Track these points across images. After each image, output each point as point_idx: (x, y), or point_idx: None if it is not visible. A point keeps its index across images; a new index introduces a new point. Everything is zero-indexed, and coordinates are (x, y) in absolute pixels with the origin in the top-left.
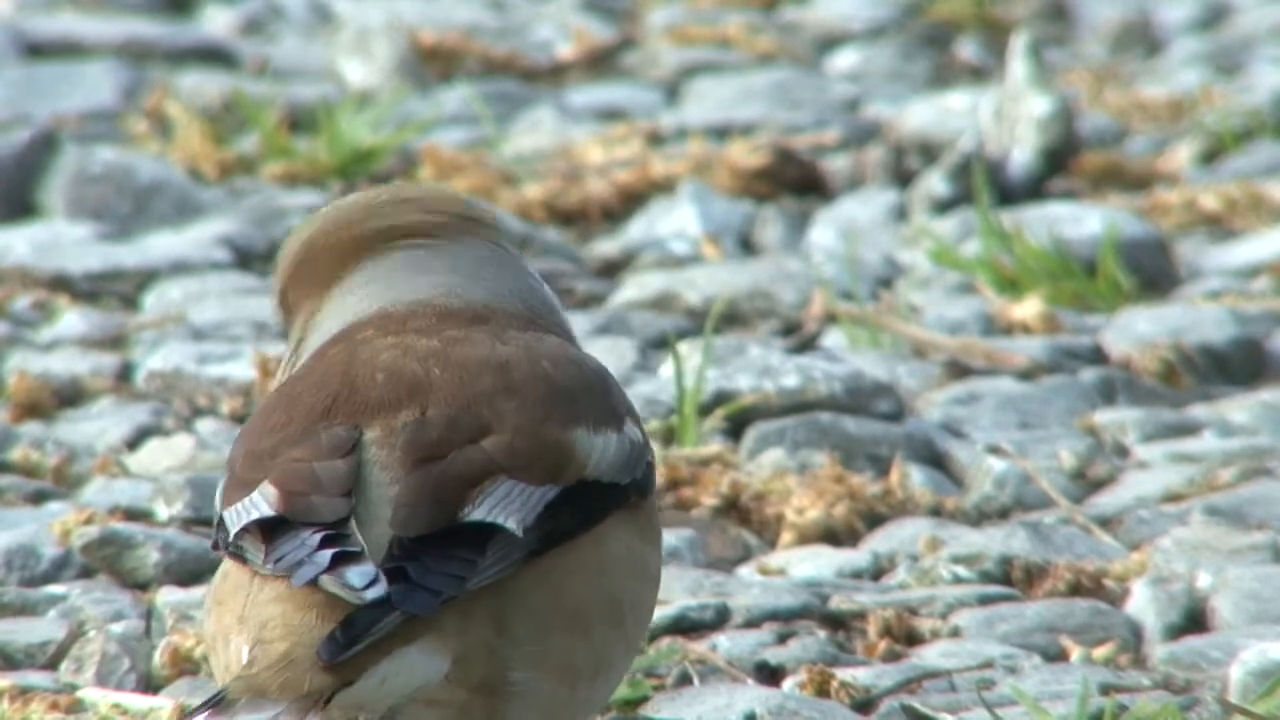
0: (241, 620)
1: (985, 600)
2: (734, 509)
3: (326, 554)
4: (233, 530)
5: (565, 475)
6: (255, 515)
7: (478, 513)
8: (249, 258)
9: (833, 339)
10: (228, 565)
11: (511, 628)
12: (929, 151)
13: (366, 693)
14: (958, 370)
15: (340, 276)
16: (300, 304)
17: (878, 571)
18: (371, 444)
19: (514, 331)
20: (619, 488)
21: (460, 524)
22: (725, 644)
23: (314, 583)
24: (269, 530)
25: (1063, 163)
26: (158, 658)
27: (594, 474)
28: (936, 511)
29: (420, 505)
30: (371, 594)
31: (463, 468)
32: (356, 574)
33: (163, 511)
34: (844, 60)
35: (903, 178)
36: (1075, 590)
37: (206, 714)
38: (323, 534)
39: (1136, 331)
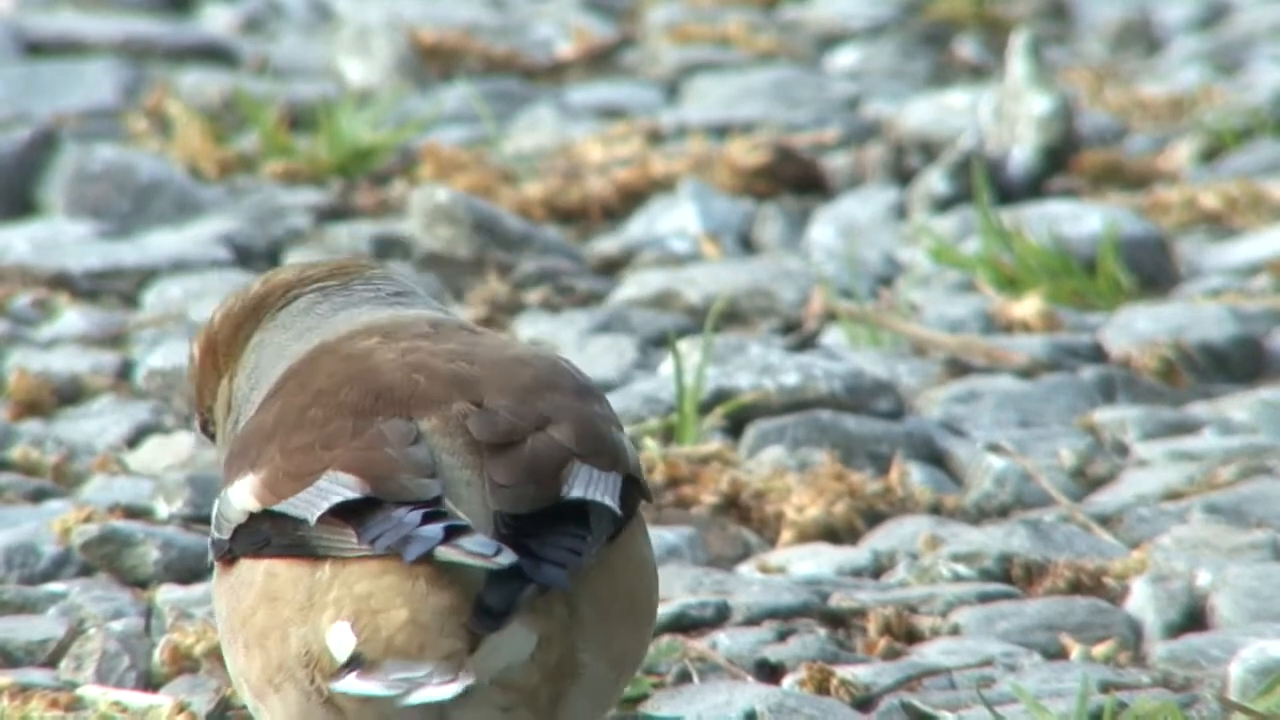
0: (313, 605)
1: (985, 598)
2: (734, 507)
3: (436, 528)
4: (313, 517)
5: (620, 466)
6: (337, 499)
7: (576, 491)
8: (249, 256)
9: (833, 337)
10: (266, 566)
11: (581, 612)
12: (929, 150)
13: (480, 660)
14: (958, 368)
15: (255, 330)
16: (211, 381)
17: (878, 569)
18: (432, 433)
19: (489, 337)
20: (642, 486)
21: (564, 501)
22: (725, 642)
23: (427, 556)
24: (350, 514)
25: (1063, 161)
26: (157, 655)
27: (633, 469)
28: (936, 509)
29: (522, 484)
30: (505, 559)
31: (545, 451)
32: (477, 544)
33: (162, 509)
34: (844, 59)
35: (903, 176)
36: (1075, 588)
37: (353, 674)
38: (423, 511)
39: (1136, 330)
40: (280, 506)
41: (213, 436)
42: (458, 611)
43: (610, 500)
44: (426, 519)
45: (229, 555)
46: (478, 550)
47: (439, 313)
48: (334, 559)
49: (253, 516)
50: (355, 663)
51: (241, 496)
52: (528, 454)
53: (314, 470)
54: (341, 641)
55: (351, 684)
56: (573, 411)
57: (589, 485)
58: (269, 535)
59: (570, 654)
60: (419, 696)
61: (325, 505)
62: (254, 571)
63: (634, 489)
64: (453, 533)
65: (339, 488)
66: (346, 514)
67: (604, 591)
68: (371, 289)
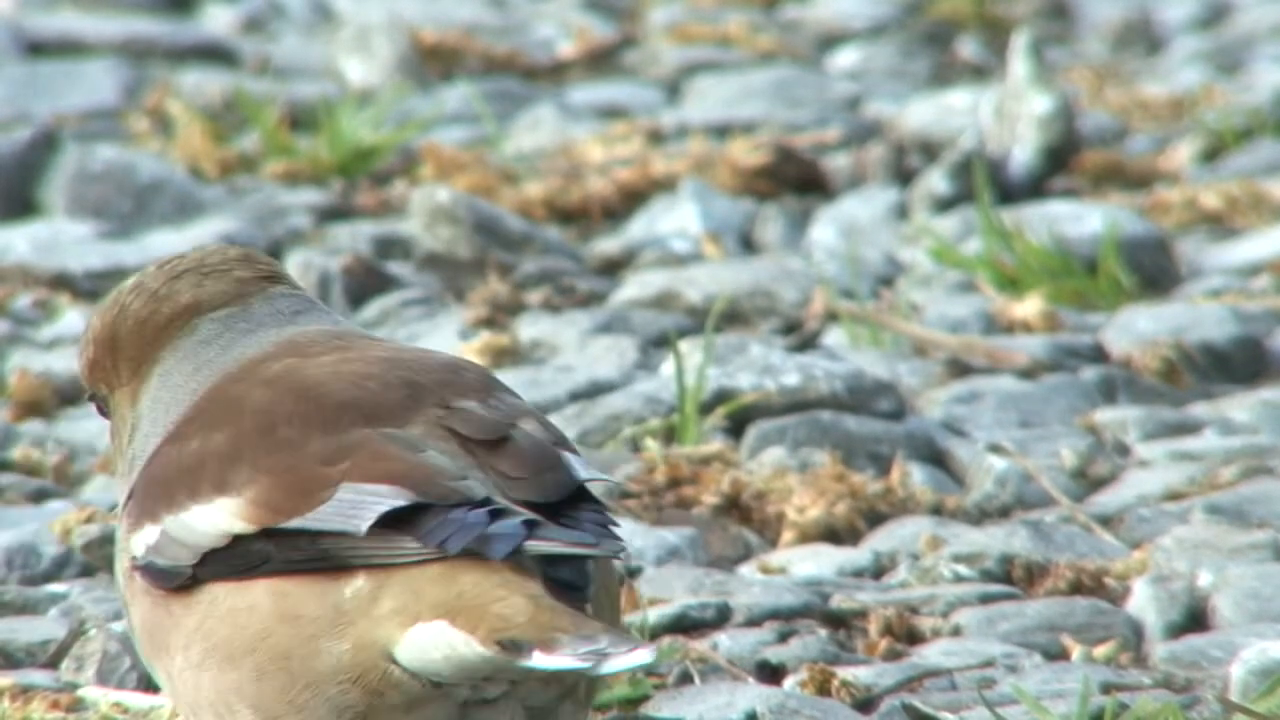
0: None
1: (986, 599)
2: (735, 507)
3: (513, 523)
4: (362, 526)
5: (574, 449)
6: (383, 507)
7: (581, 474)
8: None
9: (834, 337)
10: (270, 586)
11: (598, 599)
12: (930, 150)
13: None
14: (959, 369)
15: (155, 358)
16: (115, 385)
17: (879, 570)
18: (425, 438)
19: (401, 345)
20: None
21: (582, 482)
22: (726, 643)
23: (516, 552)
24: (396, 522)
25: (1063, 161)
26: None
27: None
28: (937, 510)
29: (541, 474)
30: (615, 545)
31: (535, 443)
32: (564, 534)
33: None
34: (845, 59)
35: (903, 176)
36: (1076, 589)
37: (536, 653)
38: (487, 509)
39: (1137, 330)
40: (296, 523)
41: (105, 414)
42: (552, 593)
43: (605, 476)
44: (493, 517)
45: (189, 581)
46: (575, 539)
47: (337, 325)
48: (369, 570)
49: (238, 539)
50: (517, 646)
51: (217, 520)
52: (525, 445)
53: (323, 486)
54: (438, 643)
55: (540, 659)
56: (521, 408)
57: (584, 467)
58: (268, 555)
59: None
60: (614, 664)
61: (373, 515)
62: (247, 594)
63: None
64: (530, 526)
65: (372, 498)
66: (393, 523)
67: (605, 578)
68: (270, 308)
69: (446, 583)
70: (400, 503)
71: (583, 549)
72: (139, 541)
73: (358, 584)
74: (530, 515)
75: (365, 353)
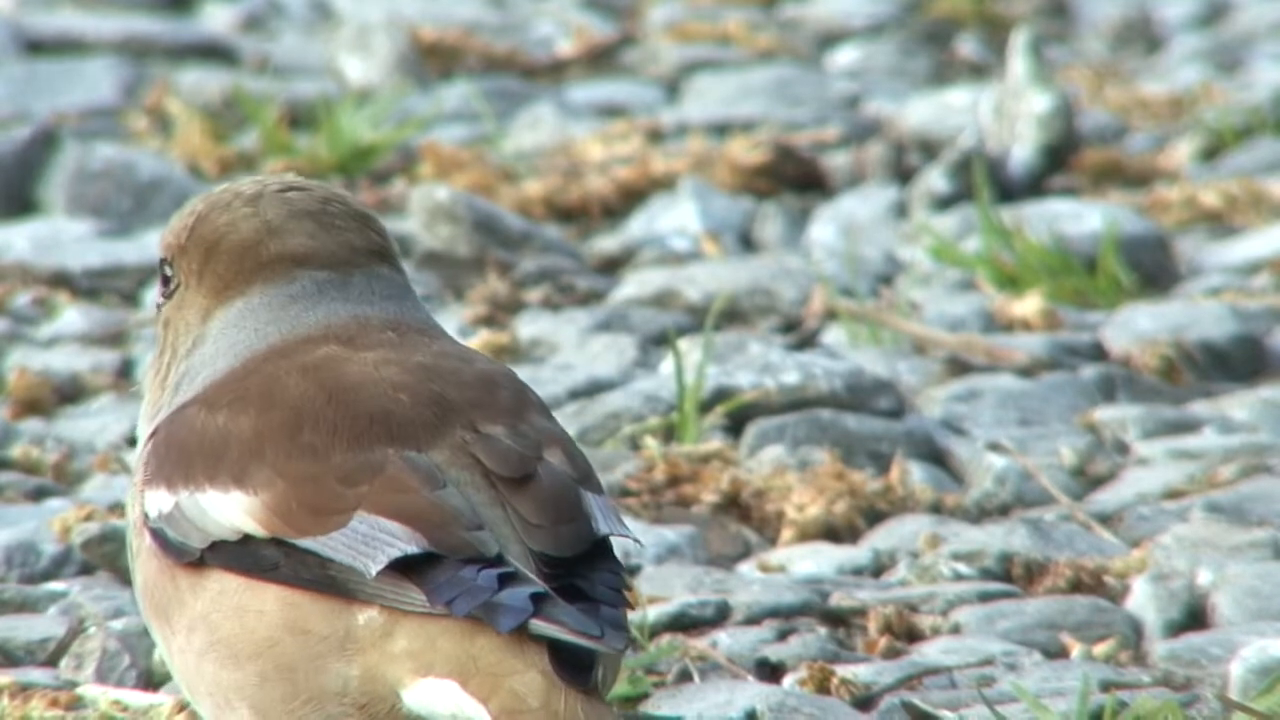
0: (361, 648)
1: (986, 597)
2: (734, 506)
3: (522, 595)
4: (370, 569)
5: (599, 484)
6: (396, 553)
7: (601, 526)
8: None
9: (833, 336)
10: (283, 595)
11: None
12: (929, 148)
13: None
14: (958, 367)
15: (243, 290)
16: (191, 285)
17: (878, 568)
18: (448, 466)
19: (449, 346)
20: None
21: (601, 537)
22: (726, 641)
23: (523, 627)
24: (407, 568)
25: (1063, 159)
26: (157, 655)
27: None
28: (937, 508)
29: (560, 525)
30: (620, 643)
31: (559, 484)
32: (574, 619)
33: None
34: (844, 57)
35: (903, 174)
36: (1076, 587)
37: None
38: (496, 572)
39: (1137, 328)
40: (308, 544)
41: (165, 292)
42: (557, 663)
43: (625, 530)
44: (502, 582)
45: (197, 561)
46: (580, 629)
47: (404, 313)
48: (382, 606)
49: (249, 538)
50: None
51: (231, 514)
52: (547, 488)
53: (340, 509)
54: (447, 701)
55: None
56: (550, 433)
57: (605, 516)
58: (277, 561)
59: (604, 672)
60: None
61: (385, 558)
62: (258, 596)
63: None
64: (537, 600)
65: (386, 536)
66: (402, 568)
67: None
68: (367, 286)
69: (461, 638)
70: (413, 549)
71: (587, 640)
72: (153, 502)
73: (371, 614)
74: (539, 588)
75: (409, 356)
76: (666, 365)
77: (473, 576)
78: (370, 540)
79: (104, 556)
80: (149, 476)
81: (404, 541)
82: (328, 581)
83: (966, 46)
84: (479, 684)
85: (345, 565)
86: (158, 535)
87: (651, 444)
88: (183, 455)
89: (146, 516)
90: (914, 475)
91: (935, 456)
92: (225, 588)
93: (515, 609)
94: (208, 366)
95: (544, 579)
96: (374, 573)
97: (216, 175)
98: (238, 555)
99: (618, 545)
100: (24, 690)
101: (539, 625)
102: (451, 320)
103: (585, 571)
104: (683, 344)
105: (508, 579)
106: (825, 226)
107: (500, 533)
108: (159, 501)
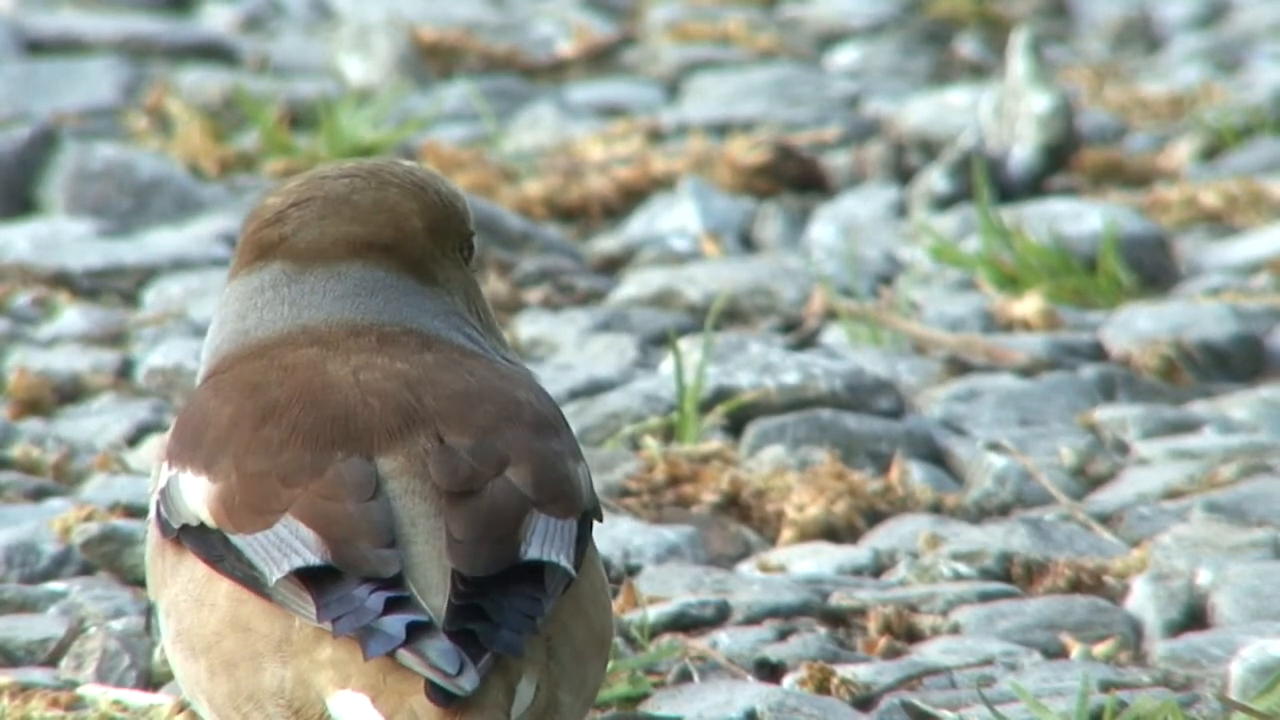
0: (295, 651)
1: (985, 597)
2: (734, 506)
3: (399, 623)
4: (272, 576)
5: (576, 509)
6: (299, 563)
7: (533, 550)
8: None
9: (833, 336)
10: (232, 591)
11: (560, 654)
12: (929, 148)
13: None
14: (958, 367)
15: (260, 269)
16: (289, 245)
17: (878, 568)
18: (398, 474)
19: (466, 357)
20: (593, 517)
21: (522, 562)
22: (725, 641)
23: (391, 654)
24: (309, 578)
25: (1063, 159)
26: (158, 654)
27: (588, 505)
28: (937, 508)
29: (481, 543)
30: (468, 684)
31: (504, 502)
32: (440, 654)
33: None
34: (844, 57)
35: (903, 174)
36: (1075, 587)
37: None
38: (385, 595)
39: (1137, 328)
40: (237, 542)
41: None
42: (428, 692)
43: (565, 559)
44: (388, 606)
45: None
46: (440, 666)
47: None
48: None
49: (204, 527)
50: None
51: (194, 499)
52: (487, 506)
53: (273, 509)
54: (360, 714)
55: None
56: (531, 451)
57: (545, 541)
58: (222, 554)
59: (554, 695)
60: None
61: (287, 566)
62: (213, 589)
63: (589, 527)
64: (414, 630)
65: (298, 543)
66: (306, 577)
67: (575, 630)
68: (421, 297)
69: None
70: (315, 561)
71: (439, 677)
72: (161, 473)
73: (305, 620)
74: (422, 616)
75: (395, 365)
76: (666, 365)
77: (364, 596)
78: (284, 546)
79: (104, 556)
80: (167, 447)
81: (311, 551)
82: (252, 581)
83: (966, 46)
84: (385, 700)
85: (259, 568)
86: (156, 507)
87: (651, 444)
88: (183, 433)
89: (156, 485)
90: (914, 475)
91: (935, 456)
92: (193, 575)
93: (387, 636)
94: (259, 329)
95: (458, 596)
96: (273, 581)
97: (216, 175)
98: (198, 542)
99: (614, 547)
100: (24, 690)
101: (404, 655)
102: None
103: (498, 594)
104: (683, 344)
105: (395, 603)
106: (825, 226)
107: (421, 550)
108: (162, 475)
